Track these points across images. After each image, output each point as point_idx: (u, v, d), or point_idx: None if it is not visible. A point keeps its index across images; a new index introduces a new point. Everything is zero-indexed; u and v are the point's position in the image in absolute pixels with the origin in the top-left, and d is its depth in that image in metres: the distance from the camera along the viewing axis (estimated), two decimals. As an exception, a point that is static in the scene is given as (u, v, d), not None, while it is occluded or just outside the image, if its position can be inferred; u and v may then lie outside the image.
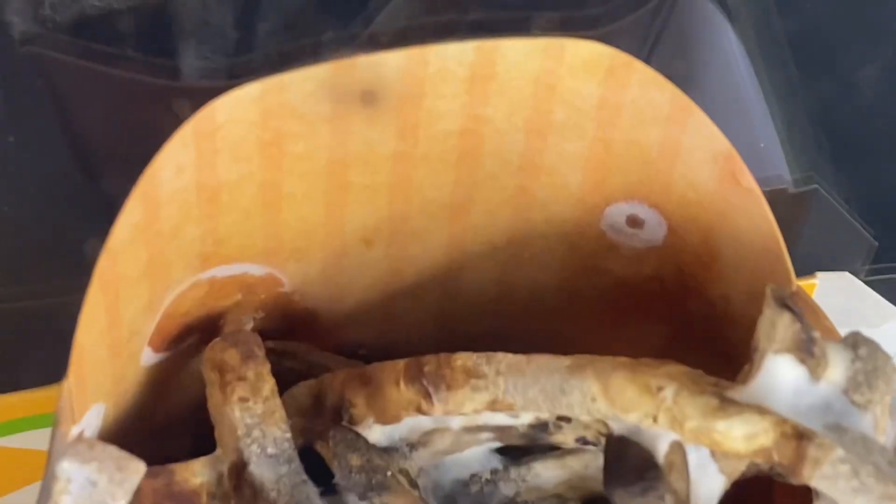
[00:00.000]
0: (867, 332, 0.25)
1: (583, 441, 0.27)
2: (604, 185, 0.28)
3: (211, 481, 0.28)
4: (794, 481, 0.24)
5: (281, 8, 0.33)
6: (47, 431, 0.25)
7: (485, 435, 0.28)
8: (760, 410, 0.24)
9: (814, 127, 0.45)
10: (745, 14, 0.44)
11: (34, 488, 0.29)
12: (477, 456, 0.29)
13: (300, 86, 0.24)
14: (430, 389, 0.27)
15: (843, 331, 0.26)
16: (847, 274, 0.38)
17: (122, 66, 0.32)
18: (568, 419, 0.27)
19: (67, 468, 0.23)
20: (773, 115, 0.43)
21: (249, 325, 0.30)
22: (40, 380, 0.33)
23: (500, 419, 0.27)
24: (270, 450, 0.27)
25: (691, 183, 0.27)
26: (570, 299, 0.31)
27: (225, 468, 0.28)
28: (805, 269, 0.30)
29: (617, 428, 0.26)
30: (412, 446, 0.29)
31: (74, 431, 0.24)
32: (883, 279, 0.42)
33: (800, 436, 0.23)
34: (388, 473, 0.28)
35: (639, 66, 0.25)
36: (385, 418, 0.28)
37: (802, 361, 0.24)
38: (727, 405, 0.24)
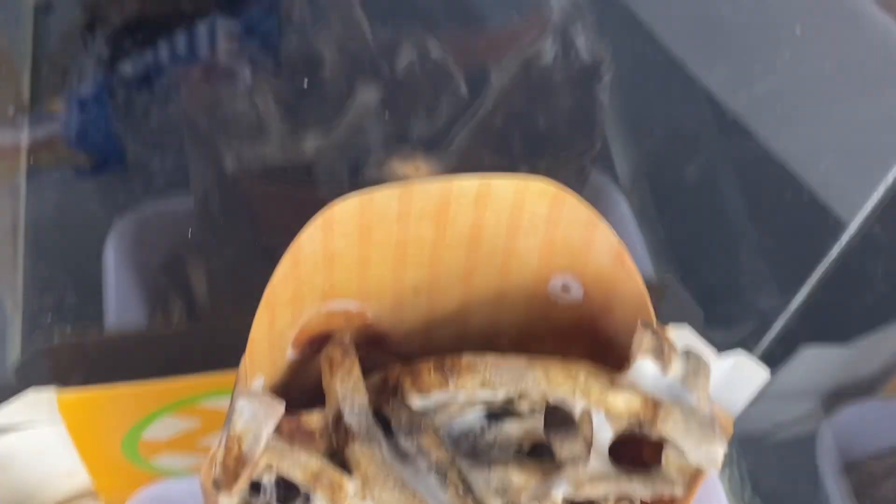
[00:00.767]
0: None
1: (532, 409, 0.28)
2: (549, 264, 0.28)
3: (321, 425, 0.27)
4: (651, 430, 0.25)
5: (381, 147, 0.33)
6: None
7: (477, 405, 0.28)
8: (633, 389, 0.24)
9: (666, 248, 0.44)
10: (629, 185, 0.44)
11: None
12: (473, 418, 0.29)
13: (381, 198, 0.25)
14: (448, 375, 0.27)
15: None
16: (687, 325, 0.38)
17: (289, 188, 0.32)
18: (524, 396, 0.27)
19: (241, 403, 0.23)
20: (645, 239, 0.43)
21: (348, 339, 0.30)
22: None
23: (486, 395, 0.27)
24: (356, 408, 0.28)
25: (598, 264, 0.27)
26: (530, 334, 0.31)
27: (330, 417, 0.28)
28: (662, 321, 0.30)
29: (552, 399, 0.26)
30: (436, 411, 0.29)
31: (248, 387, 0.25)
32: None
33: (655, 403, 0.24)
34: (422, 424, 0.28)
35: (569, 196, 0.26)
36: (422, 394, 0.28)
37: (657, 361, 0.24)
38: (615, 386, 0.25)
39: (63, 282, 0.35)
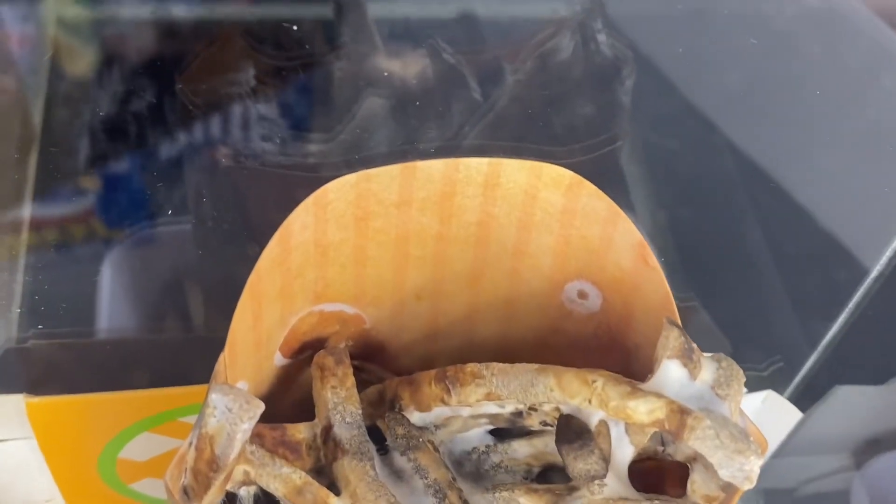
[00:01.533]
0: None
1: (544, 423, 0.25)
2: (564, 267, 0.26)
3: (309, 437, 0.25)
4: (678, 442, 0.22)
5: (389, 125, 0.32)
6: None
7: (482, 420, 0.26)
8: (658, 395, 0.22)
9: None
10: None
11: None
12: (477, 435, 0.26)
13: (380, 178, 0.23)
14: (450, 386, 0.25)
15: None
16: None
17: (283, 167, 0.30)
18: (535, 409, 0.25)
19: (214, 398, 0.21)
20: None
21: (342, 346, 0.28)
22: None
23: (492, 408, 0.25)
24: (348, 419, 0.25)
25: (618, 265, 0.25)
26: (542, 346, 0.28)
27: (318, 430, 0.25)
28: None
29: (566, 409, 0.24)
30: (437, 427, 0.26)
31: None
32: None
33: (682, 411, 0.21)
34: (421, 440, 0.26)
35: (587, 184, 0.24)
36: (421, 408, 0.26)
37: (685, 365, 0.22)
38: (636, 391, 0.22)
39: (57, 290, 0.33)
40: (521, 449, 0.26)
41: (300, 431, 0.25)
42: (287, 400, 0.29)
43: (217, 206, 0.30)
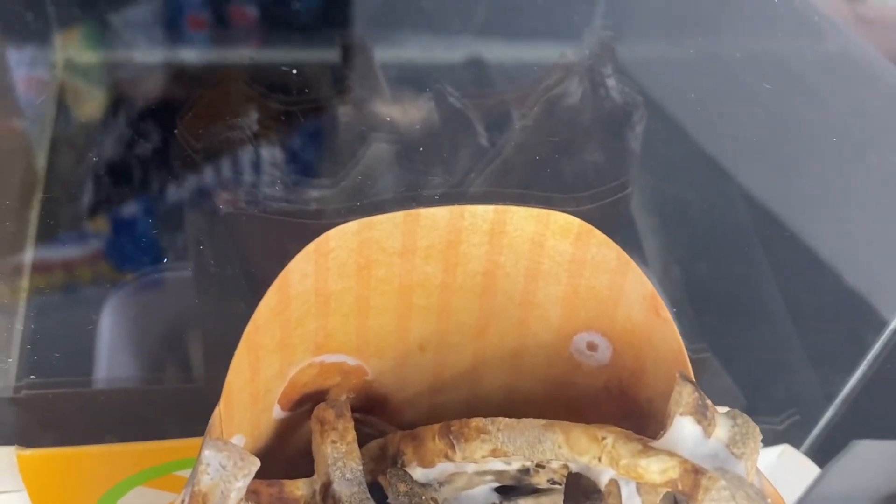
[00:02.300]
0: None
1: (552, 482, 0.24)
2: (573, 318, 0.25)
3: (307, 494, 0.24)
4: (692, 503, 0.21)
5: (393, 171, 0.31)
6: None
7: (488, 477, 0.25)
8: (670, 453, 0.21)
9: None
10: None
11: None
12: (483, 492, 0.25)
13: (382, 226, 0.23)
14: (454, 442, 0.24)
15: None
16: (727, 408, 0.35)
17: (284, 213, 0.30)
18: (543, 466, 0.24)
19: (208, 455, 0.20)
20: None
21: (343, 398, 0.27)
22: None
23: (498, 465, 0.24)
24: (348, 475, 0.24)
25: (629, 316, 0.24)
26: (550, 400, 0.28)
27: (318, 486, 0.25)
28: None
29: (574, 467, 0.23)
30: (441, 483, 0.25)
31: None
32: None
33: (696, 471, 0.20)
34: (424, 498, 0.25)
35: (597, 232, 0.23)
36: (424, 463, 0.25)
37: (699, 422, 0.21)
38: (648, 449, 0.21)
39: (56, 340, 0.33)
40: (527, 508, 0.25)
41: (299, 488, 0.25)
42: (286, 454, 0.28)
43: (217, 254, 0.30)
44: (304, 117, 0.34)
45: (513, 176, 0.30)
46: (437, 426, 0.25)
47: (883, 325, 0.40)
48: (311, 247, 0.22)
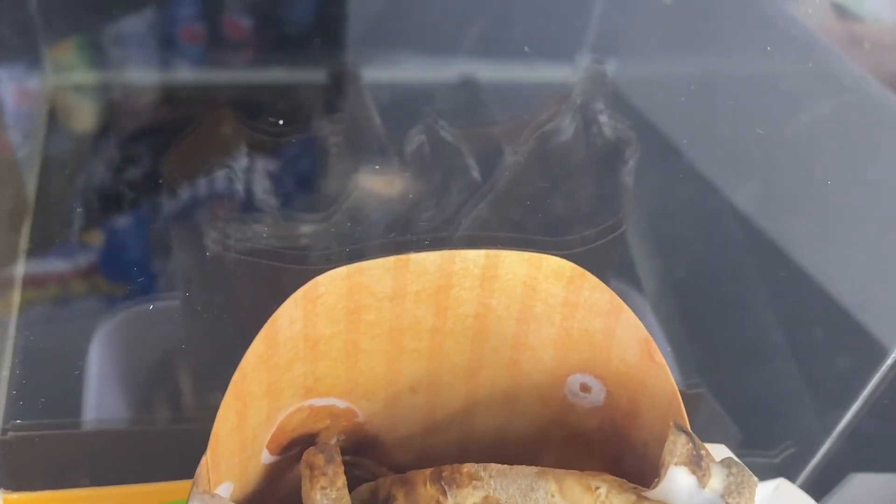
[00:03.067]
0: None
1: (545, 529, 0.24)
2: (566, 360, 0.25)
3: (297, 541, 0.24)
4: (687, 556, 0.21)
5: (383, 206, 0.31)
6: None
7: (480, 523, 0.25)
8: (664, 505, 0.21)
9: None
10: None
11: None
12: (475, 539, 0.25)
13: (372, 271, 0.22)
14: (446, 488, 0.24)
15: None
16: (723, 445, 0.34)
17: (270, 253, 0.29)
18: (536, 513, 0.24)
19: (194, 508, 0.20)
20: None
21: (333, 442, 0.27)
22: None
23: (491, 511, 0.24)
24: (338, 522, 0.24)
25: (622, 359, 0.24)
26: (543, 442, 0.27)
27: (308, 533, 0.24)
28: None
29: (567, 516, 0.23)
30: (432, 529, 0.25)
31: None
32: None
33: (691, 523, 0.20)
34: (415, 544, 0.25)
35: (589, 276, 0.23)
36: (416, 509, 0.25)
37: (693, 472, 0.21)
38: (642, 500, 0.21)
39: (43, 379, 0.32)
40: (520, 555, 0.25)
41: (288, 535, 0.24)
42: (275, 498, 0.27)
43: (203, 293, 0.30)
44: (293, 151, 0.34)
45: (504, 215, 0.30)
46: (428, 471, 0.24)
47: (883, 355, 0.40)
48: (299, 293, 0.22)
